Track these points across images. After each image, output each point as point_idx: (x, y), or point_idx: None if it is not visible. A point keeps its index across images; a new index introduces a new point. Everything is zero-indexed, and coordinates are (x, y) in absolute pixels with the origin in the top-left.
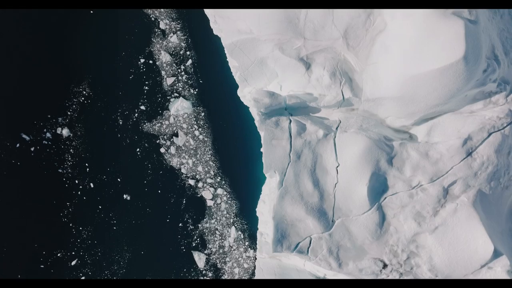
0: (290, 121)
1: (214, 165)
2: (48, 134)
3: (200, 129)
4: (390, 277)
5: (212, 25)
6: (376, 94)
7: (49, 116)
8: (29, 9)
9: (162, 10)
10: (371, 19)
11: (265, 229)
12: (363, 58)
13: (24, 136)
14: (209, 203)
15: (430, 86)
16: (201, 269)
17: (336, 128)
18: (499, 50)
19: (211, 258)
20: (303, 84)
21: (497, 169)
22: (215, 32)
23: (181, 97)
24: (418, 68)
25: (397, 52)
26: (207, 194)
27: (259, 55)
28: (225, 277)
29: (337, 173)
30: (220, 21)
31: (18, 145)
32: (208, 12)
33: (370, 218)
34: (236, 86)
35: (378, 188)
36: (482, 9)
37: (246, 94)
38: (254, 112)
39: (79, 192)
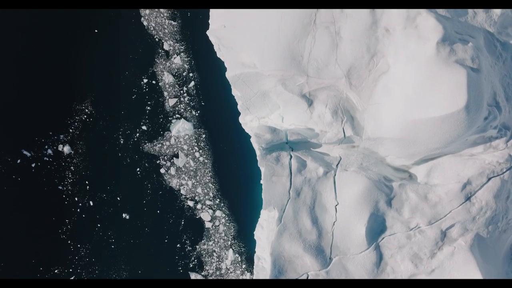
0: (291, 156)
1: (213, 187)
2: (49, 151)
3: (200, 151)
4: None
5: (216, 49)
6: (377, 133)
7: (50, 133)
8: (34, 24)
9: (166, 31)
10: (374, 60)
11: (263, 254)
12: (365, 98)
13: (25, 152)
14: (208, 225)
15: (431, 131)
16: None
17: (337, 166)
18: (500, 97)
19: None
20: (304, 119)
21: (495, 214)
22: (218, 55)
23: (182, 119)
24: (419, 114)
25: (399, 95)
26: (205, 216)
27: (262, 88)
28: None
29: (336, 211)
30: (224, 50)
31: (19, 161)
32: (212, 39)
33: (368, 257)
34: (238, 109)
35: (376, 228)
36: (485, 56)
37: (247, 122)
38: (255, 144)
39: (78, 210)
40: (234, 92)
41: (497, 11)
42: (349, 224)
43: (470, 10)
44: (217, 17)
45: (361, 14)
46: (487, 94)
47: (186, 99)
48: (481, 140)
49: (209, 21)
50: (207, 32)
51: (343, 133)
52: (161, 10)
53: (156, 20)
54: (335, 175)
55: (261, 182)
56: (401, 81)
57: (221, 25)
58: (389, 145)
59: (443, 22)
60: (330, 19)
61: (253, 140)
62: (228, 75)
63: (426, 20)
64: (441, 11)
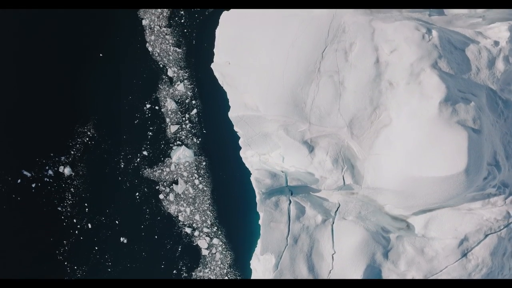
0: (290, 202)
1: (211, 214)
2: (50, 172)
3: (200, 178)
4: None
5: (220, 83)
6: (377, 184)
7: (51, 154)
8: (40, 46)
9: (171, 57)
10: (376, 112)
11: None
12: (366, 147)
13: (25, 172)
14: (204, 252)
15: (430, 189)
16: None
17: (335, 213)
18: (500, 155)
19: None
20: (305, 163)
21: (491, 271)
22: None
23: (183, 146)
24: (419, 171)
25: (400, 150)
26: (202, 243)
27: (264, 130)
28: None
29: (333, 260)
30: (228, 88)
31: (19, 181)
32: (216, 74)
33: None
34: (239, 144)
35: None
36: (486, 115)
37: (248, 157)
38: (255, 188)
39: (76, 232)
40: (236, 128)
41: (500, 68)
42: (345, 273)
43: (473, 66)
44: (222, 51)
45: (366, 65)
46: (487, 155)
47: (187, 126)
48: (480, 196)
49: (214, 54)
50: (212, 66)
51: (342, 181)
52: (167, 37)
53: (161, 46)
54: (333, 223)
55: (260, 223)
56: (402, 136)
57: (226, 61)
58: (388, 195)
59: (446, 81)
60: (335, 68)
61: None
62: (230, 115)
63: (429, 78)
64: (444, 68)
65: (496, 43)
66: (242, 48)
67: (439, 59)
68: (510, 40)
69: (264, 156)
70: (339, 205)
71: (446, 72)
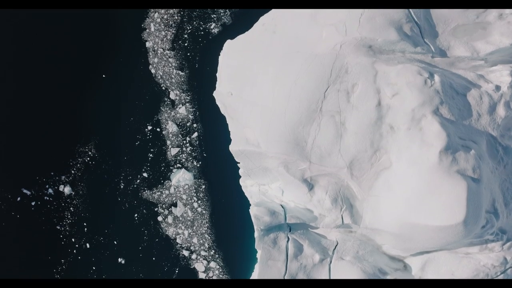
0: (288, 239)
1: (209, 238)
2: (50, 190)
3: (199, 202)
4: None
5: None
6: (375, 225)
7: (52, 173)
8: (43, 66)
9: (173, 80)
10: (377, 155)
11: None
12: (365, 188)
13: (25, 191)
14: (201, 275)
15: (428, 235)
16: None
17: (333, 252)
18: (499, 202)
19: None
20: (304, 200)
21: None
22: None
23: (183, 169)
24: (418, 218)
25: (399, 194)
26: (199, 266)
27: (264, 165)
28: None
29: None
30: (229, 120)
31: (18, 198)
32: (218, 103)
33: None
34: (239, 173)
35: None
36: (486, 163)
37: (247, 186)
38: (254, 224)
39: (74, 251)
40: (237, 159)
41: (501, 114)
42: None
43: (474, 112)
44: (225, 81)
45: (367, 108)
46: (486, 204)
47: (188, 149)
48: (478, 241)
49: (217, 82)
50: (214, 94)
51: (341, 220)
52: (170, 60)
53: (164, 69)
54: (330, 262)
55: (258, 259)
56: (402, 181)
57: (228, 91)
58: (386, 236)
59: (447, 128)
60: (336, 108)
61: (252, 218)
62: (231, 148)
63: (430, 125)
64: (446, 114)
65: (498, 87)
66: (245, 80)
67: (441, 105)
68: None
69: (263, 186)
70: (337, 243)
71: (447, 119)
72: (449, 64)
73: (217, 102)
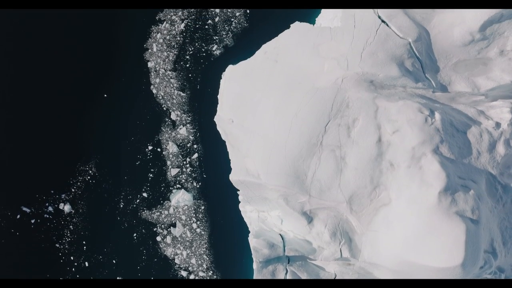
0: (287, 271)
1: (207, 259)
2: (50, 208)
3: (198, 222)
4: None
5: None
6: (374, 259)
7: (52, 191)
8: (46, 84)
9: (174, 101)
10: (376, 191)
11: None
12: (364, 223)
13: (24, 208)
14: None
15: (426, 275)
16: None
17: None
18: (497, 242)
19: None
20: (303, 231)
21: None
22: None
23: (183, 189)
24: (416, 258)
25: (398, 232)
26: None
27: (264, 195)
28: None
29: None
30: (230, 149)
31: (18, 216)
32: (219, 129)
33: None
34: (239, 199)
35: None
36: (485, 202)
37: (247, 211)
38: (252, 252)
39: (73, 269)
40: (237, 187)
41: (501, 152)
42: None
43: (474, 150)
44: (226, 106)
45: (368, 143)
46: (484, 244)
47: (188, 170)
48: (475, 276)
49: (218, 107)
50: (215, 119)
51: (340, 253)
52: (171, 80)
53: (165, 90)
54: None
55: None
56: (401, 219)
57: (229, 118)
58: (384, 271)
59: (446, 168)
60: (337, 143)
61: (252, 249)
62: (232, 178)
63: (430, 164)
64: (446, 153)
65: (498, 125)
66: (246, 108)
67: (441, 144)
68: (511, 122)
69: (263, 213)
70: (335, 275)
71: (447, 157)
72: (449, 99)
73: (218, 128)
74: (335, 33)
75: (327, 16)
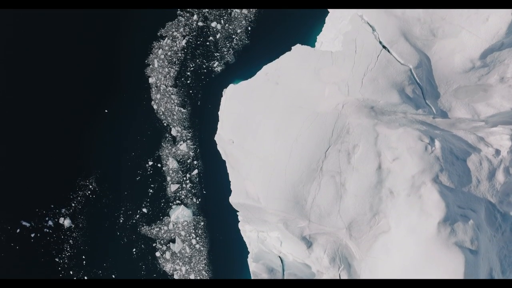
0: None
1: (206, 275)
2: (50, 223)
3: (197, 238)
4: None
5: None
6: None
7: (52, 205)
8: (45, 101)
9: (175, 117)
10: (376, 218)
11: None
12: (364, 249)
13: (24, 223)
14: None
15: None
16: None
17: None
18: (496, 271)
19: None
20: (303, 255)
21: None
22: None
23: (182, 205)
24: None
25: (397, 260)
26: None
27: (264, 218)
28: None
29: None
30: (231, 170)
31: (18, 230)
32: (220, 149)
33: None
34: (238, 218)
35: None
36: (484, 232)
37: (246, 230)
38: (252, 275)
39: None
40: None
41: (500, 180)
42: None
43: (474, 178)
44: (227, 126)
45: (368, 170)
46: (483, 274)
47: (188, 186)
48: None
49: (218, 125)
50: (215, 138)
51: (339, 278)
52: (172, 96)
53: (166, 106)
54: None
55: None
56: (400, 247)
57: (230, 138)
58: None
59: (446, 197)
60: (337, 169)
61: (251, 273)
62: (232, 200)
63: (430, 193)
64: (445, 181)
65: (498, 152)
66: (247, 129)
67: (441, 173)
68: (511, 150)
69: (262, 233)
70: None
71: (447, 186)
72: (450, 125)
73: (219, 148)
74: (336, 58)
75: (329, 35)
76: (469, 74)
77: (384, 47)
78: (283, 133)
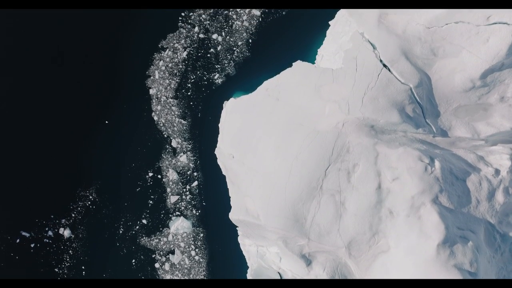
0: None
1: None
2: (50, 233)
3: (196, 250)
4: None
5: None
6: None
7: (52, 216)
8: (46, 112)
9: (175, 128)
10: (375, 238)
11: None
12: (363, 268)
13: (24, 233)
14: None
15: None
16: None
17: None
18: None
19: None
20: (302, 273)
21: None
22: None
23: (182, 217)
24: None
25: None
26: None
27: (263, 235)
28: None
29: None
30: (231, 186)
31: (18, 240)
32: (220, 163)
33: None
34: (238, 232)
35: None
36: (483, 253)
37: (246, 244)
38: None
39: None
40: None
41: (500, 200)
42: None
43: (473, 199)
44: (227, 140)
45: (367, 190)
46: None
47: (188, 197)
48: None
49: (218, 138)
50: (216, 152)
51: None
52: (173, 108)
53: (166, 117)
54: None
55: None
56: (399, 268)
57: (230, 153)
58: None
59: (445, 219)
60: (337, 188)
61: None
62: (231, 217)
63: (429, 214)
64: (445, 202)
65: (497, 172)
66: (247, 144)
67: (440, 193)
68: (511, 169)
69: (262, 248)
70: None
71: (446, 207)
72: (450, 144)
73: (219, 162)
74: (337, 75)
75: (330, 48)
76: (469, 93)
77: (384, 65)
78: (284, 151)
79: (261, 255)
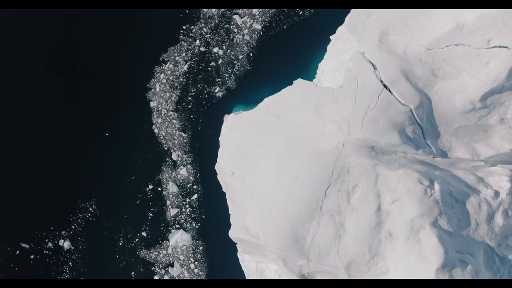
0: None
1: None
2: (49, 244)
3: (196, 263)
4: None
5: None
6: None
7: (52, 227)
8: (47, 124)
9: (176, 141)
10: (374, 260)
11: None
12: None
13: (23, 245)
14: None
15: None
16: None
17: None
18: None
19: None
20: None
21: None
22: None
23: (181, 229)
24: None
25: None
26: None
27: (262, 253)
28: None
29: None
30: (231, 203)
31: (18, 251)
32: (219, 178)
33: None
34: (237, 246)
35: None
36: (482, 277)
37: (245, 260)
38: None
39: None
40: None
41: (499, 222)
42: None
43: (473, 221)
44: (227, 156)
45: (367, 212)
46: None
47: (187, 210)
48: None
49: (219, 152)
50: (216, 167)
51: None
52: (173, 121)
53: (167, 130)
54: None
55: None
56: None
57: (230, 170)
58: None
59: (445, 243)
60: (336, 208)
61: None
62: (231, 235)
63: (428, 238)
64: (444, 225)
65: (497, 194)
66: (247, 162)
67: (440, 216)
68: (510, 192)
69: (261, 264)
70: None
71: (446, 230)
72: (449, 165)
73: (219, 178)
74: (337, 95)
75: (330, 63)
76: (469, 115)
77: (385, 86)
78: (283, 170)
79: (261, 271)
